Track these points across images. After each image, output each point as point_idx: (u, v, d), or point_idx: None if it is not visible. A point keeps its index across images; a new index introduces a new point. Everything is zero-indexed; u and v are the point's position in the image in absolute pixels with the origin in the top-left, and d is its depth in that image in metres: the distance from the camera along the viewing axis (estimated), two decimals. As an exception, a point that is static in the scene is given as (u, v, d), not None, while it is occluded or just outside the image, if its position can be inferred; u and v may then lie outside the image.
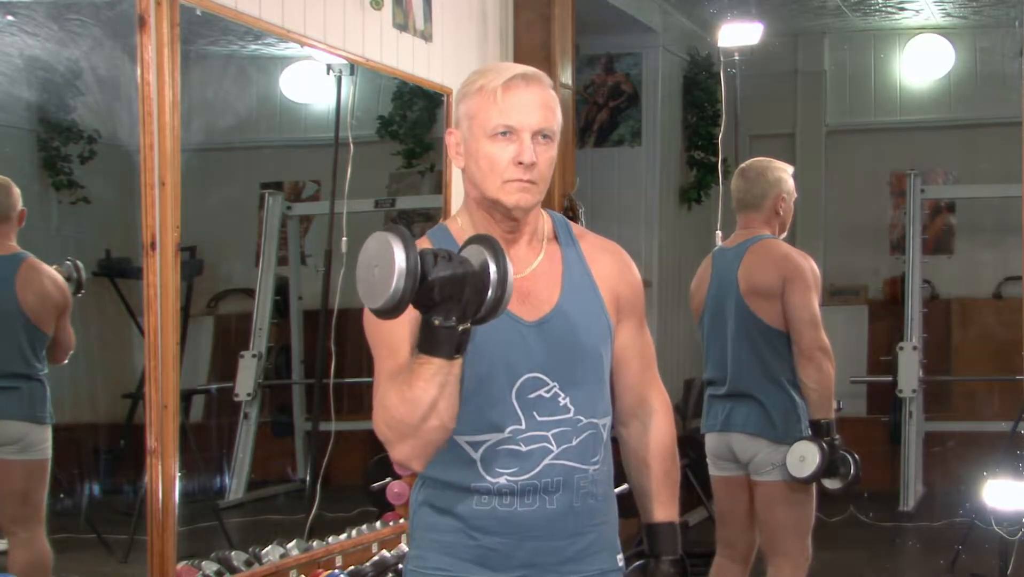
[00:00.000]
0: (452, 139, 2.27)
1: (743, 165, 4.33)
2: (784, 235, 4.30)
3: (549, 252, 2.30)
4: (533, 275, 2.27)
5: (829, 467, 4.02)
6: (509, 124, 2.18)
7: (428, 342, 1.97)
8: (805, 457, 4.00)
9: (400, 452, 2.09)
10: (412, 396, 2.01)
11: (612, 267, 2.34)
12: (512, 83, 2.19)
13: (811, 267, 4.12)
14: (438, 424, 2.04)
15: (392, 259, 1.88)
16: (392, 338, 2.14)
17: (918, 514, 7.86)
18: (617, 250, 2.40)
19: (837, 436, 4.06)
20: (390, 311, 1.92)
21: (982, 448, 7.38)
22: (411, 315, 2.02)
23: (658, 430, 2.40)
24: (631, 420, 2.40)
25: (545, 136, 2.21)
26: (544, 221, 2.33)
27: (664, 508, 2.39)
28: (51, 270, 3.51)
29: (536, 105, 2.20)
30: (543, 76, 2.25)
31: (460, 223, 2.30)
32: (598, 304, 2.29)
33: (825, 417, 4.05)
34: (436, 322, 1.95)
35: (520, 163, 2.18)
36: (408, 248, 1.90)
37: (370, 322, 2.18)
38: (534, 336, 2.21)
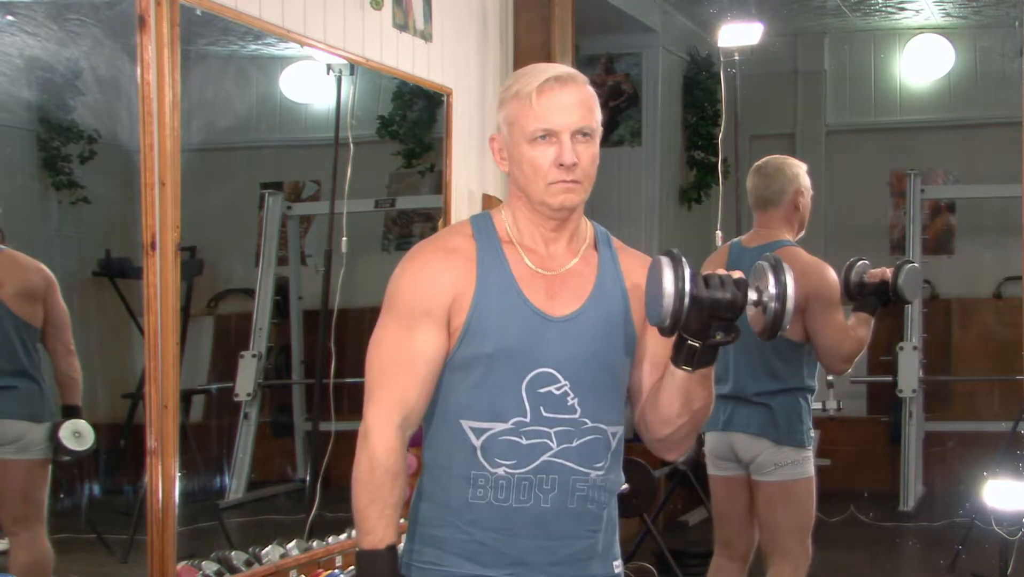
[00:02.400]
0: (495, 144, 2.31)
1: (758, 163, 4.31)
2: (803, 232, 4.28)
3: (586, 256, 2.32)
4: (567, 273, 2.28)
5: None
6: (547, 127, 2.21)
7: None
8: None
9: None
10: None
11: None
12: (546, 86, 2.22)
13: (832, 279, 4.10)
14: None
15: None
16: (409, 302, 2.21)
17: (918, 514, 7.86)
18: None
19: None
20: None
21: (982, 448, 7.38)
22: (439, 319, 2.17)
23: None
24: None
25: (585, 134, 2.23)
26: (587, 228, 2.35)
27: None
28: (28, 257, 3.48)
29: (572, 105, 2.22)
30: (578, 75, 2.27)
31: (504, 216, 2.32)
32: (625, 315, 2.29)
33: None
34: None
35: (562, 165, 2.20)
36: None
37: (398, 277, 2.25)
38: (554, 332, 2.23)
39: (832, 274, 4.12)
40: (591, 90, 2.28)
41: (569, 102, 2.22)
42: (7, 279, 3.43)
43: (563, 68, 2.27)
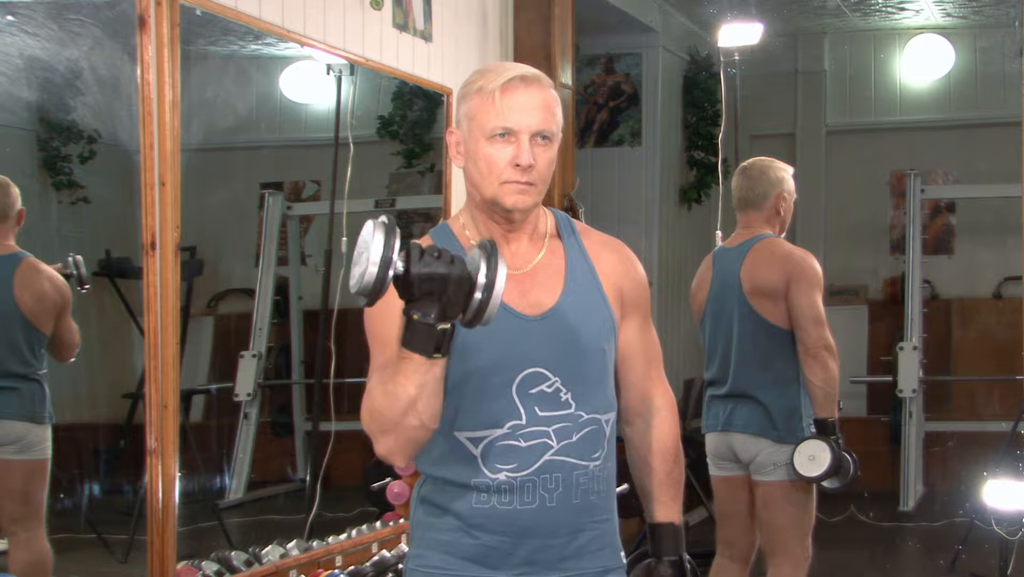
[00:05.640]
0: (452, 139, 2.28)
1: (744, 164, 4.33)
2: (783, 235, 4.30)
3: (551, 248, 2.31)
4: (534, 270, 2.27)
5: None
6: (507, 126, 2.19)
7: (407, 336, 1.98)
8: (815, 456, 4.01)
9: (381, 445, 2.11)
10: (392, 390, 2.02)
11: (616, 264, 2.35)
12: (511, 85, 2.20)
13: (814, 265, 4.13)
14: (417, 423, 2.05)
15: (371, 247, 1.90)
16: (385, 332, 2.15)
17: (918, 514, 7.86)
18: (620, 246, 2.40)
19: (839, 435, 4.07)
20: (367, 296, 1.93)
21: (982, 448, 7.38)
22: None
23: (660, 430, 2.39)
24: (635, 419, 2.40)
25: (544, 137, 2.21)
26: (546, 218, 2.34)
27: (665, 509, 2.40)
28: (50, 269, 3.52)
29: (535, 107, 2.20)
30: (542, 77, 2.25)
31: (462, 221, 2.31)
32: (601, 299, 2.29)
33: (831, 416, 4.06)
34: (415, 317, 1.96)
35: (518, 165, 2.18)
36: (388, 238, 1.91)
37: (368, 315, 2.20)
38: (536, 331, 2.22)
39: (814, 261, 4.14)
40: (555, 94, 2.26)
41: (532, 103, 2.20)
42: (26, 285, 3.46)
43: (528, 68, 2.25)
